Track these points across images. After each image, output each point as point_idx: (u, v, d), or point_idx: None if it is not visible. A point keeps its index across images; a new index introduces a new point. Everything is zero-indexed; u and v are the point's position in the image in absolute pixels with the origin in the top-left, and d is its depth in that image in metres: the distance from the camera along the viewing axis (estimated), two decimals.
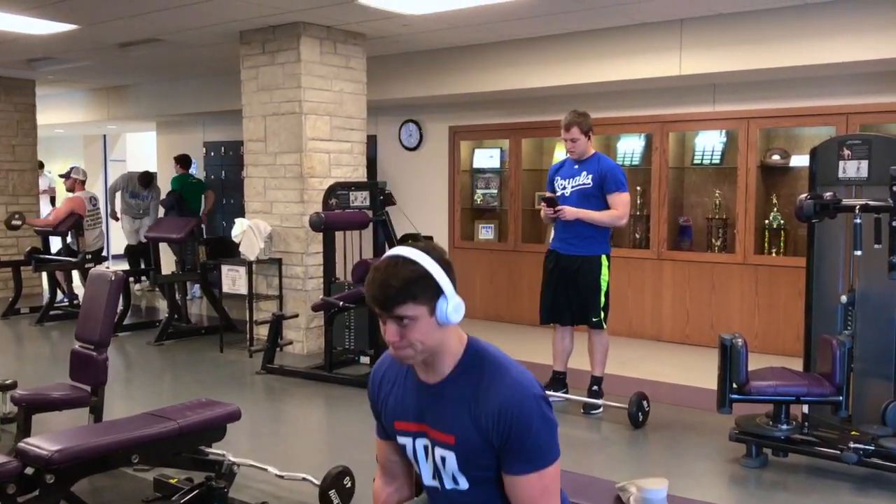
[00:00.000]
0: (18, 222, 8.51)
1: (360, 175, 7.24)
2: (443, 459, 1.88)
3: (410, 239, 6.96)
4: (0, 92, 9.98)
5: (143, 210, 10.43)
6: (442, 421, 1.86)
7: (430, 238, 7.20)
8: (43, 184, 12.57)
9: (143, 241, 9.48)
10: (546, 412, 1.83)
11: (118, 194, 10.60)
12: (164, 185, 10.63)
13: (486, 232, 8.40)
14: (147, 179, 10.38)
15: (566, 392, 5.22)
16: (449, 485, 1.90)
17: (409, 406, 1.93)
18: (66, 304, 8.77)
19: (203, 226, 9.16)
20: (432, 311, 1.79)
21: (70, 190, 8.89)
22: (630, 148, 7.49)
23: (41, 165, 13.57)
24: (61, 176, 9.27)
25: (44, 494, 2.93)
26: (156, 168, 11.84)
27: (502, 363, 1.87)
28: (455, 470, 1.87)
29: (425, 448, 1.92)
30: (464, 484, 1.88)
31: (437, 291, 1.79)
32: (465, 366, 1.87)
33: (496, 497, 1.88)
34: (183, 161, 10.13)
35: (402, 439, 1.97)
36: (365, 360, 6.43)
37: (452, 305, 1.81)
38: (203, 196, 10.10)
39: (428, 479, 1.96)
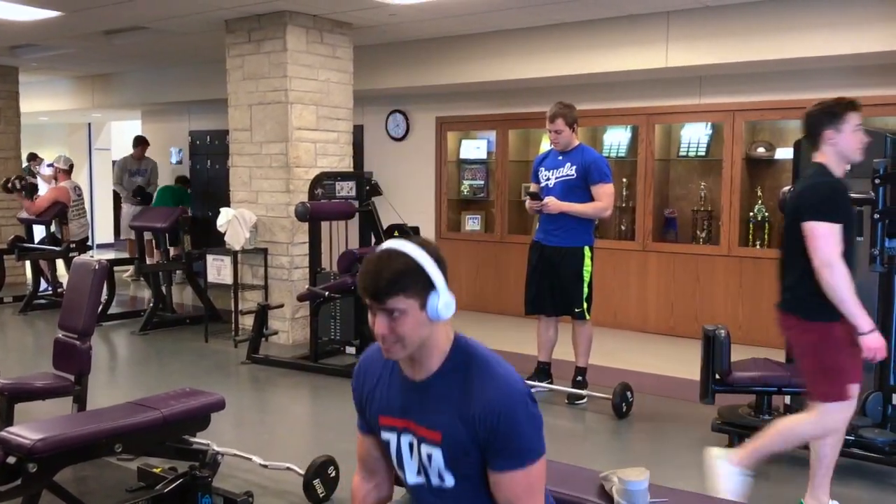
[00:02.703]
0: (19, 185, 8.43)
1: (347, 165, 7.22)
2: (429, 457, 1.87)
3: (397, 229, 6.96)
4: None
5: (146, 183, 10.40)
6: (428, 418, 1.86)
7: (417, 229, 7.20)
8: (45, 170, 12.44)
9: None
10: (532, 409, 1.83)
11: (123, 180, 10.44)
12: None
13: (472, 223, 8.41)
14: (139, 143, 10.33)
15: (550, 382, 5.24)
16: (435, 482, 1.89)
17: (395, 401, 1.92)
18: (50, 293, 8.72)
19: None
20: (423, 305, 1.79)
21: (54, 179, 8.84)
22: (616, 140, 7.51)
23: (35, 157, 13.48)
24: (49, 166, 9.21)
25: (26, 483, 2.92)
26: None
27: (489, 361, 1.87)
28: (441, 467, 1.86)
29: (410, 445, 1.91)
30: (450, 481, 1.87)
31: (429, 286, 1.79)
32: (452, 363, 1.87)
33: (482, 494, 1.88)
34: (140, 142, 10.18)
35: (386, 434, 1.95)
36: (350, 350, 6.43)
37: (444, 302, 1.80)
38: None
39: (412, 477, 1.94)
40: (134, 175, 10.40)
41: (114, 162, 14.95)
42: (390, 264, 1.77)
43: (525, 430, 1.81)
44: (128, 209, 10.32)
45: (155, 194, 10.32)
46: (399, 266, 1.77)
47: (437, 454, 1.85)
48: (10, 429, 3.03)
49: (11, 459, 2.88)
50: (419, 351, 1.84)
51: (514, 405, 1.80)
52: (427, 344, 1.84)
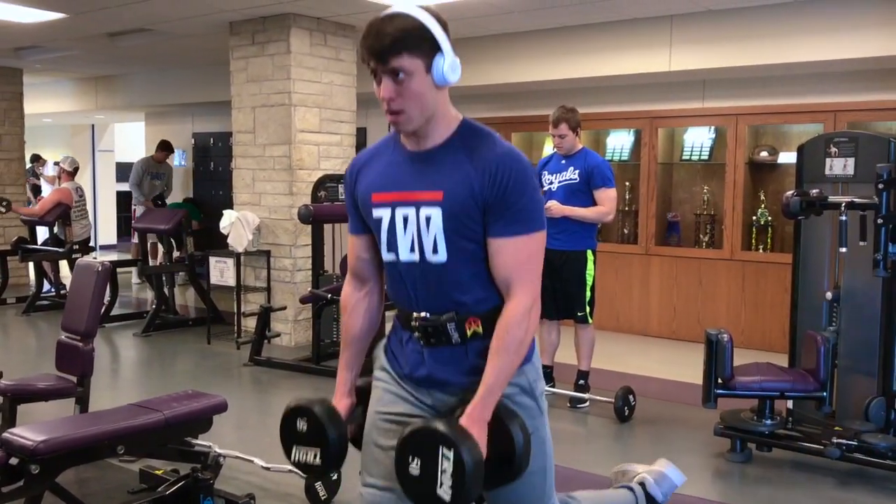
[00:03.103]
0: (3, 209, 8.46)
1: None
2: (427, 219, 1.82)
3: None
4: None
5: (163, 188, 10.33)
6: (430, 181, 1.83)
7: None
8: (50, 170, 12.47)
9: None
10: (536, 184, 1.85)
11: (144, 181, 10.21)
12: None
13: None
14: (164, 148, 10.19)
15: (553, 386, 5.23)
16: (429, 255, 1.84)
17: (393, 176, 1.88)
18: (53, 294, 8.73)
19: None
20: (428, 67, 1.75)
21: (57, 178, 8.86)
22: (619, 143, 7.51)
23: (38, 158, 13.51)
24: (55, 164, 9.20)
25: (28, 485, 2.92)
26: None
27: (497, 135, 1.88)
28: (438, 230, 1.81)
29: (405, 218, 1.85)
30: (442, 253, 1.82)
31: (434, 47, 1.75)
32: (460, 134, 1.85)
33: (472, 275, 1.85)
34: (165, 147, 10.11)
35: (378, 212, 1.90)
36: None
37: (449, 63, 1.77)
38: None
39: (405, 253, 1.87)
40: (154, 178, 10.34)
41: (118, 163, 15.05)
42: (394, 22, 1.73)
43: (533, 196, 1.82)
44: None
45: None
46: (403, 24, 1.73)
47: (437, 214, 1.81)
48: (13, 430, 3.03)
49: (14, 461, 2.88)
50: (426, 125, 1.81)
51: (524, 169, 1.80)
52: (434, 117, 1.81)
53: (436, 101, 1.79)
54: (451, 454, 1.70)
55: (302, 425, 2.00)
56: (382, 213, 1.88)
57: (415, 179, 1.84)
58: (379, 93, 1.77)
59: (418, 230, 1.83)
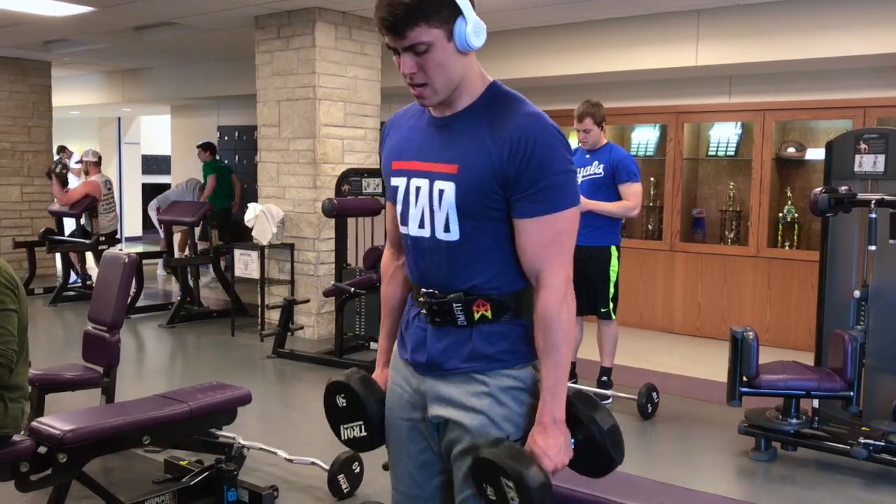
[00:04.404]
0: (58, 170, 8.52)
1: (374, 162, 7.23)
2: (440, 193, 1.68)
3: None
4: (16, 73, 10.02)
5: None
6: (447, 152, 1.69)
7: None
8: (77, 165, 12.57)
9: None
10: (569, 153, 1.66)
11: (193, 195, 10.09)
12: (180, 169, 10.64)
13: None
14: (209, 147, 10.06)
15: (575, 382, 5.22)
16: (439, 232, 1.71)
17: (413, 143, 1.76)
18: (80, 285, 8.83)
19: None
20: (450, 35, 1.59)
21: (84, 173, 8.94)
22: (645, 138, 7.46)
23: (64, 149, 13.63)
24: (77, 163, 9.27)
25: (56, 473, 2.95)
26: (169, 152, 11.86)
27: (525, 100, 1.70)
28: (451, 207, 1.67)
29: (418, 189, 1.73)
30: (455, 232, 1.69)
31: (454, 11, 1.59)
32: (484, 100, 1.69)
33: (488, 257, 1.71)
34: (208, 148, 10.10)
35: (395, 181, 1.78)
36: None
37: (472, 26, 1.60)
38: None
39: (415, 228, 1.75)
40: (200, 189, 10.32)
41: (143, 156, 15.18)
42: None
43: (562, 168, 1.62)
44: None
45: (202, 169, 9.97)
46: None
47: (450, 190, 1.66)
48: (41, 419, 3.07)
49: (42, 449, 2.92)
50: (452, 93, 1.68)
51: (550, 135, 1.62)
52: (461, 83, 1.66)
53: (462, 69, 1.65)
54: (512, 484, 1.63)
55: (342, 401, 1.94)
56: (399, 183, 1.77)
57: (432, 149, 1.71)
58: (399, 67, 1.64)
59: (430, 205, 1.71)
